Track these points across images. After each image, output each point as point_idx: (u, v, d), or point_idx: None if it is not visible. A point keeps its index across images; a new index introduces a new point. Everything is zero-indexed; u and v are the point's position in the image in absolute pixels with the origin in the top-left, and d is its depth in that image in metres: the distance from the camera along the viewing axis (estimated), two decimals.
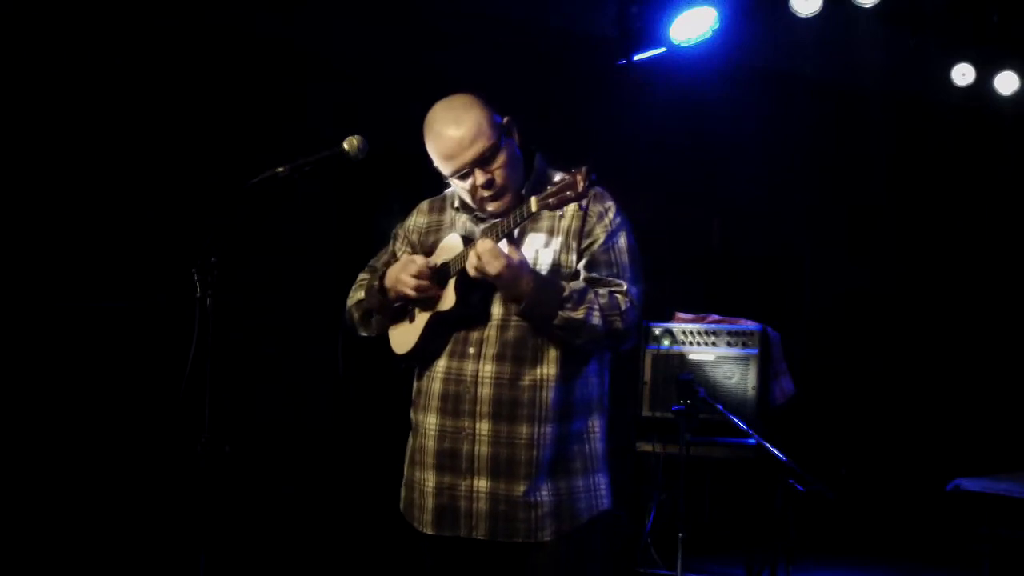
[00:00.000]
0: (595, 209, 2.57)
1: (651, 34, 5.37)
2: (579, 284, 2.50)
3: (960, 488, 4.72)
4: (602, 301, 2.47)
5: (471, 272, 2.42)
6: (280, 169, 2.64)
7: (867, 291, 7.04)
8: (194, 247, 2.62)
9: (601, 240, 2.55)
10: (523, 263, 2.42)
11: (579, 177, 2.26)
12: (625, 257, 2.57)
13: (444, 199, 2.76)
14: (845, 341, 6.92)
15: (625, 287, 2.52)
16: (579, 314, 2.43)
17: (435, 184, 2.71)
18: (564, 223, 2.56)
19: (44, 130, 4.48)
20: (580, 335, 2.45)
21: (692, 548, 4.30)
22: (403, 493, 2.69)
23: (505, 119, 2.57)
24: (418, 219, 2.78)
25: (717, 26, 5.16)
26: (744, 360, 4.72)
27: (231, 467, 2.75)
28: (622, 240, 2.58)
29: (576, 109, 5.89)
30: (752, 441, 4.30)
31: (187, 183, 4.67)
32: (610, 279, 2.53)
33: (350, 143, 2.65)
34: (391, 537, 5.17)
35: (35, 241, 4.45)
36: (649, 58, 5.49)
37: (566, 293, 2.44)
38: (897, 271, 7.13)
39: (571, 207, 2.53)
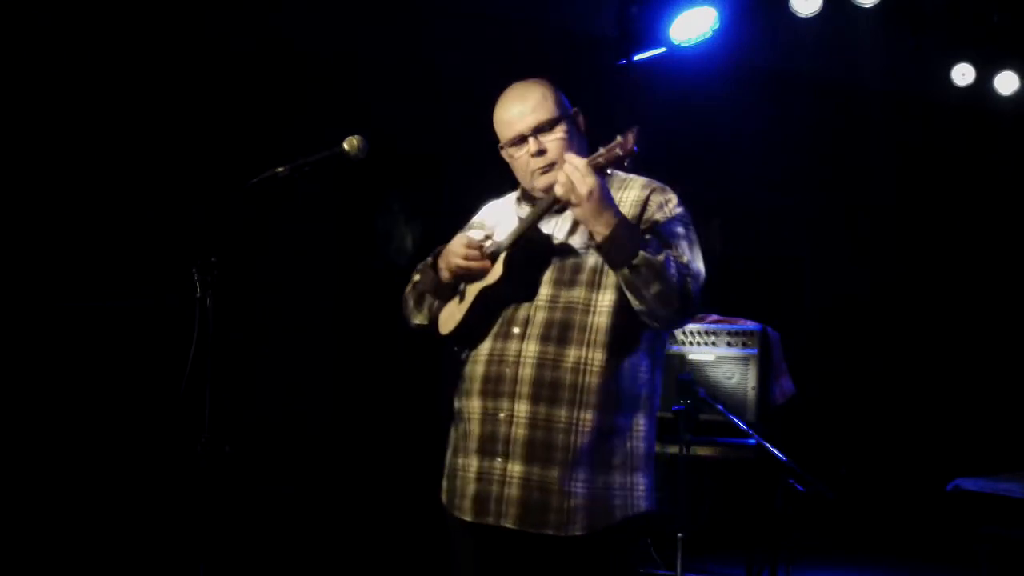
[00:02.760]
0: (656, 199, 2.53)
1: (651, 34, 5.38)
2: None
3: (960, 488, 4.72)
4: (676, 259, 2.38)
5: (559, 192, 2.34)
6: (280, 169, 2.64)
7: (867, 291, 7.04)
8: (194, 247, 2.62)
9: (661, 222, 2.48)
10: (609, 194, 2.34)
11: (630, 136, 2.28)
12: (684, 242, 2.47)
13: (509, 199, 2.73)
14: (845, 341, 6.92)
15: (687, 259, 2.42)
16: (660, 257, 2.32)
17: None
18: (623, 210, 2.44)
19: (45, 130, 4.48)
20: (655, 283, 2.31)
21: (692, 548, 4.30)
22: (444, 484, 2.59)
23: (574, 109, 2.61)
24: (484, 218, 2.76)
25: (717, 26, 5.17)
26: (744, 360, 4.71)
27: (231, 467, 2.74)
28: (681, 227, 2.49)
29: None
30: (752, 441, 4.29)
31: (187, 183, 4.67)
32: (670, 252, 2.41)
33: (350, 143, 2.65)
34: (391, 537, 5.18)
35: (36, 241, 4.45)
36: (649, 58, 5.49)
37: (647, 237, 2.37)
38: (897, 271, 7.13)
39: (630, 198, 2.52)
